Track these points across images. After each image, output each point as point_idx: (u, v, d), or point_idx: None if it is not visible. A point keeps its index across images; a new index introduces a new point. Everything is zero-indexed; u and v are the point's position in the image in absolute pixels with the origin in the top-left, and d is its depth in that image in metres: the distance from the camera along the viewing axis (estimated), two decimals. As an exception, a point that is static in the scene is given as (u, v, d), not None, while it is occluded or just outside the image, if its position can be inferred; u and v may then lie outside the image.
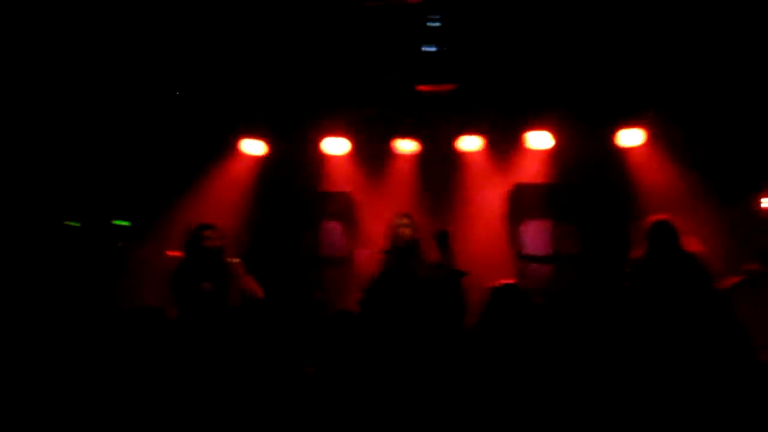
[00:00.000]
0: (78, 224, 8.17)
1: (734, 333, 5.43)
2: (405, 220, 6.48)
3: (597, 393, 4.86)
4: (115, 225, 8.26)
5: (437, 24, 7.58)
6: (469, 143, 8.23)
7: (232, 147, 8.38)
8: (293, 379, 5.22)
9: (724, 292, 5.99)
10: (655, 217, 6.24)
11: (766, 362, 5.31)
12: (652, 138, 7.92)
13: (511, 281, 7.55)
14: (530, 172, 8.29)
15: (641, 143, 7.93)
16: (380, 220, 6.90)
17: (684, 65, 7.58)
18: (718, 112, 7.79)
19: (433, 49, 7.62)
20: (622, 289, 6.24)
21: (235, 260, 6.40)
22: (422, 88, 8.00)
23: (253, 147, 8.36)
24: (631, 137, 7.90)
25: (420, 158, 8.45)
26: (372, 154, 8.46)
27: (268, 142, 8.38)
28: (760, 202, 8.04)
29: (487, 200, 8.36)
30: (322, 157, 8.42)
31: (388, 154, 8.42)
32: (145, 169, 8.30)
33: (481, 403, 4.50)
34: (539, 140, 8.02)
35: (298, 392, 5.03)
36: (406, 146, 8.35)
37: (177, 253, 6.74)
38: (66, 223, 8.13)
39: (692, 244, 6.05)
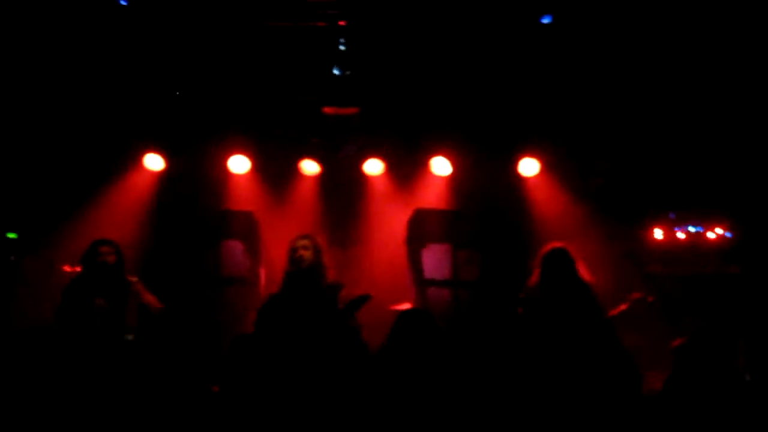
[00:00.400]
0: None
1: (620, 359, 5.64)
2: (305, 242, 6.48)
3: (495, 416, 4.97)
4: (5, 237, 7.98)
5: (343, 47, 7.66)
6: (372, 167, 8.31)
7: (133, 161, 8.21)
8: (195, 398, 5.16)
9: (610, 320, 6.22)
10: (551, 245, 6.40)
11: (651, 389, 5.51)
12: (548, 168, 8.16)
13: (410, 306, 7.69)
14: (431, 198, 8.43)
15: (537, 173, 8.16)
16: (283, 240, 6.89)
17: (581, 96, 7.87)
18: (612, 143, 8.10)
19: (338, 72, 7.69)
20: (516, 315, 6.40)
21: (134, 278, 6.31)
22: (328, 110, 8.06)
23: (155, 162, 8.22)
24: (528, 167, 8.13)
25: (324, 180, 8.47)
26: (276, 174, 8.43)
27: (170, 157, 8.25)
28: (652, 233, 8.38)
29: (389, 224, 8.44)
30: (226, 175, 8.34)
31: (293, 174, 8.42)
32: (39, 179, 8.06)
33: (387, 426, 4.54)
34: (440, 166, 8.18)
35: (200, 411, 4.97)
36: (310, 167, 8.37)
37: (72, 268, 6.59)
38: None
39: (585, 273, 6.24)
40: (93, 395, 5.15)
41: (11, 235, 8.01)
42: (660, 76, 7.61)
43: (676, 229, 8.41)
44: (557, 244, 6.38)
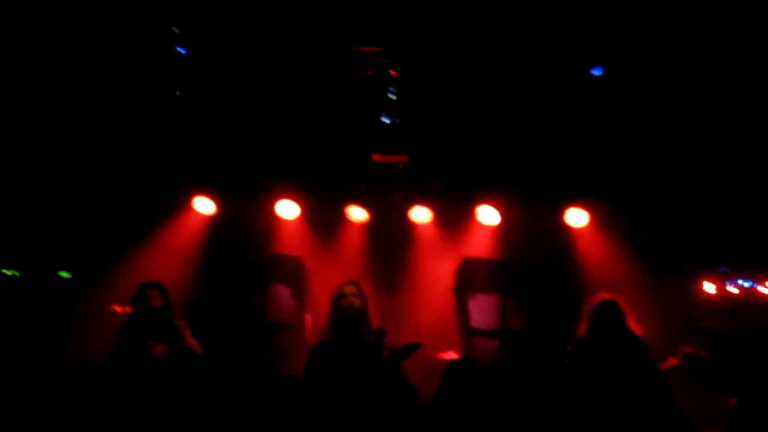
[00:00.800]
0: (17, 273, 8.03)
1: (672, 416, 5.52)
2: (353, 288, 6.46)
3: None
4: (59, 277, 8.13)
5: (392, 96, 7.76)
6: (420, 214, 8.34)
7: (184, 204, 8.35)
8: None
9: (661, 374, 6.09)
10: (600, 296, 6.31)
11: None
12: (595, 219, 8.12)
13: (456, 355, 7.64)
14: (478, 247, 8.42)
15: (586, 224, 8.12)
16: (329, 286, 6.89)
17: (629, 147, 7.86)
18: (660, 195, 8.05)
19: (387, 120, 7.79)
20: (563, 367, 6.31)
21: (181, 323, 6.40)
22: (377, 157, 8.13)
23: (205, 205, 8.34)
24: (576, 217, 8.10)
25: (371, 227, 8.51)
26: (324, 219, 8.49)
27: (220, 201, 8.37)
28: (702, 286, 8.26)
29: (436, 272, 8.43)
30: (274, 220, 8.43)
31: (340, 220, 8.47)
32: (93, 219, 8.22)
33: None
34: (488, 215, 8.18)
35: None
36: (357, 214, 8.42)
37: (122, 309, 6.68)
38: (3, 271, 7.99)
39: (634, 325, 6.16)
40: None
41: (64, 275, 8.16)
42: (709, 130, 7.60)
43: (726, 283, 8.27)
44: (606, 295, 6.30)
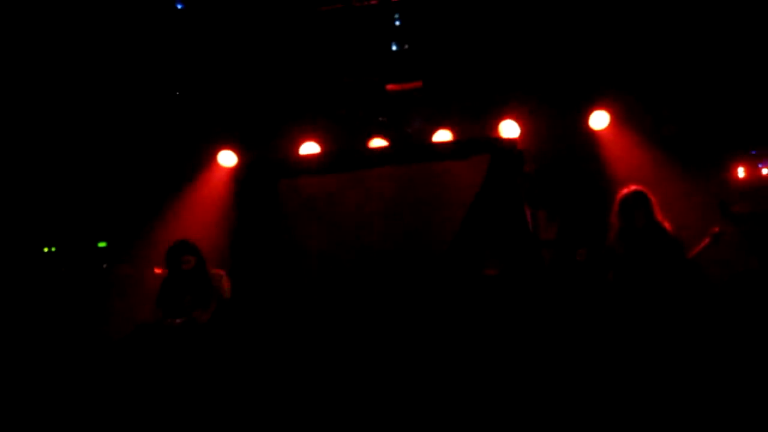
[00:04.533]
0: (54, 249, 8.20)
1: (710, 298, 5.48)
2: None
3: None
4: (97, 247, 8.28)
5: (397, 23, 7.68)
6: (441, 138, 8.30)
7: (208, 160, 8.42)
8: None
9: (695, 260, 6.06)
10: (628, 188, 6.19)
11: None
12: (619, 119, 8.01)
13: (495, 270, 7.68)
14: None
15: (608, 125, 8.02)
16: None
17: (644, 42, 7.70)
18: (681, 87, 7.91)
19: (397, 48, 7.72)
20: (604, 279, 6.23)
21: (221, 271, 6.58)
22: (391, 87, 8.09)
23: (229, 158, 8.40)
24: (598, 120, 8.00)
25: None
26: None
27: (241, 153, 8.41)
28: (733, 171, 8.15)
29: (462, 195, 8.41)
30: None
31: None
32: (122, 188, 8.33)
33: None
34: (508, 129, 8.10)
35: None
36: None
37: (162, 270, 6.84)
38: (44, 249, 8.16)
39: (660, 216, 6.08)
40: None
41: (101, 245, 8.31)
42: (725, 12, 7.41)
43: (759, 165, 8.14)
44: (633, 187, 6.16)
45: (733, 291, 4.91)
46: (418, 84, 8.01)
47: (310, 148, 8.34)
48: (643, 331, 5.56)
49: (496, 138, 7.87)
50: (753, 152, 8.15)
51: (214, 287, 6.47)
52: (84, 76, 7.76)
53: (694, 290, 5.60)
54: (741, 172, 8.11)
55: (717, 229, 6.21)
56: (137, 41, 7.64)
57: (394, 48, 7.94)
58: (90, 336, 6.84)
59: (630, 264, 5.99)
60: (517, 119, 8.09)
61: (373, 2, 7.67)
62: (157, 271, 7.39)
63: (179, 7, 7.24)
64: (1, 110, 7.64)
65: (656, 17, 7.56)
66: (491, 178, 7.05)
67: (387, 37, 7.91)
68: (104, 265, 8.16)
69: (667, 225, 6.03)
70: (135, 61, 7.79)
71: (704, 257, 6.17)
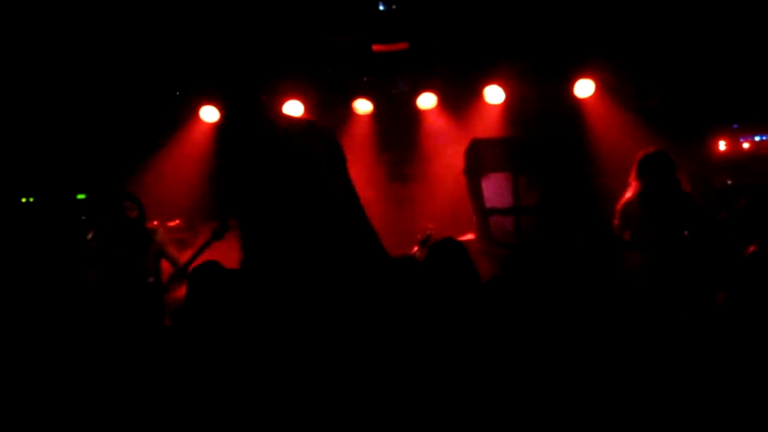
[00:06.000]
0: (32, 199, 8.10)
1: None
2: None
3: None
4: (76, 199, 8.20)
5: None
6: (426, 101, 8.28)
7: (190, 115, 8.34)
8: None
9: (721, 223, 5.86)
10: (648, 149, 6.03)
11: None
12: (603, 88, 8.02)
13: (473, 236, 7.70)
14: (487, 127, 8.37)
15: (593, 94, 8.03)
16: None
17: (634, 14, 7.68)
18: (667, 58, 7.91)
19: (383, 7, 7.65)
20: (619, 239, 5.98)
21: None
22: (377, 47, 8.02)
23: (211, 114, 8.32)
24: (583, 88, 8.01)
25: (378, 119, 8.47)
26: (330, 115, 8.44)
27: (223, 108, 8.34)
28: (716, 145, 8.19)
29: (447, 156, 8.43)
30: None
31: (347, 115, 8.43)
32: (105, 140, 8.23)
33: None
34: (494, 94, 8.11)
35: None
36: (363, 107, 8.38)
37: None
38: (22, 200, 8.07)
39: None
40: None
41: (81, 196, 8.23)
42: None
43: (741, 139, 8.20)
44: (657, 148, 6.03)
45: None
46: (404, 45, 7.95)
47: (293, 106, 8.28)
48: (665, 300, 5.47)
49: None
50: (734, 126, 8.21)
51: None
52: (70, 30, 7.61)
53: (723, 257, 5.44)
54: (722, 145, 8.17)
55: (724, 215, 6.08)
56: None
57: (381, 8, 7.85)
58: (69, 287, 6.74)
59: (651, 224, 5.86)
60: (502, 84, 8.09)
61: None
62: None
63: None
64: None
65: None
66: None
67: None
68: (83, 217, 8.08)
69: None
70: (121, 14, 7.65)
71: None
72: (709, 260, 5.55)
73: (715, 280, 5.15)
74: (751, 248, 4.62)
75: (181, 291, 5.39)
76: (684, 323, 4.74)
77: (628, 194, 6.04)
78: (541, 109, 8.19)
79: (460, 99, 8.30)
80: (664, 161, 5.91)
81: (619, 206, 6.08)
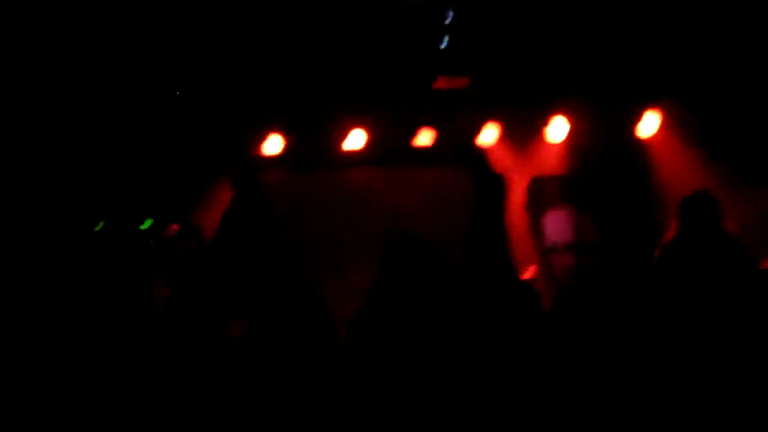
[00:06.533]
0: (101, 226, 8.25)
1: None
2: None
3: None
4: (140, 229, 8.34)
5: (449, 19, 7.66)
6: (488, 136, 8.26)
7: (252, 146, 8.44)
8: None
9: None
10: (693, 191, 5.79)
11: None
12: (670, 125, 7.90)
13: (535, 273, 7.60)
14: (549, 163, 8.32)
15: (658, 130, 7.92)
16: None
17: (699, 51, 7.58)
18: (735, 96, 7.77)
19: (445, 44, 7.69)
20: (649, 273, 5.93)
21: None
22: (439, 83, 8.06)
23: (275, 145, 8.41)
24: (648, 124, 7.91)
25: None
26: (391, 149, 8.48)
27: (288, 138, 8.42)
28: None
29: (509, 193, 8.35)
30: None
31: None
32: (169, 170, 8.39)
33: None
34: (556, 130, 8.06)
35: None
36: (425, 140, 8.38)
37: None
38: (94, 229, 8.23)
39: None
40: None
41: (147, 224, 8.37)
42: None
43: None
44: (700, 189, 5.81)
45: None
46: (466, 80, 7.98)
47: (356, 137, 8.32)
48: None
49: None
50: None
51: None
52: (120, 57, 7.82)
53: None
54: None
55: None
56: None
57: (444, 44, 7.90)
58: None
59: (688, 269, 5.55)
60: (565, 119, 8.03)
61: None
62: None
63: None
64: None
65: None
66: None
67: (438, 33, 7.87)
68: (151, 242, 8.21)
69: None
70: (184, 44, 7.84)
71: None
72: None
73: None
74: None
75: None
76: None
77: (668, 237, 5.80)
78: (605, 146, 8.12)
79: (522, 134, 8.26)
80: (707, 203, 5.60)
81: (656, 251, 5.81)
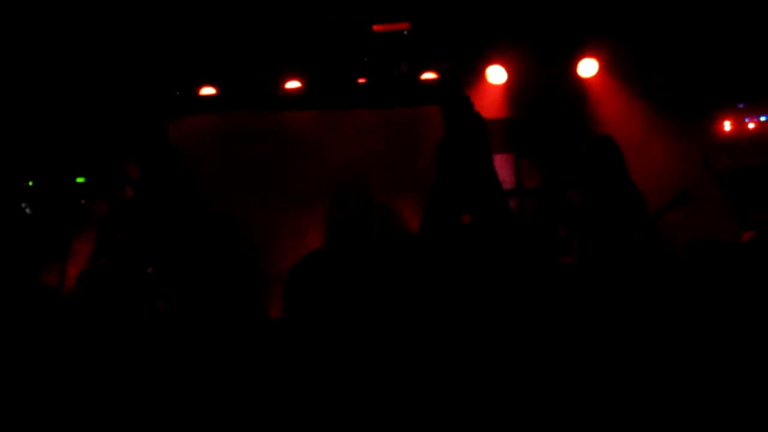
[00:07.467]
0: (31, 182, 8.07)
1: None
2: None
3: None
4: (75, 182, 8.16)
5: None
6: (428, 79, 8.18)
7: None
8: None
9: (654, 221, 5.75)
10: (594, 136, 5.91)
11: None
12: (607, 68, 7.94)
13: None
14: (489, 107, 8.27)
15: (596, 73, 7.95)
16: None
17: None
18: (671, 38, 7.82)
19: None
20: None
21: None
22: (378, 27, 7.95)
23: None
24: (587, 67, 7.93)
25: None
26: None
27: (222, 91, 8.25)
28: (721, 125, 8.12)
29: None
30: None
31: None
32: (106, 125, 8.19)
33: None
34: (496, 74, 8.04)
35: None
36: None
37: None
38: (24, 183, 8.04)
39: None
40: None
41: (80, 180, 8.19)
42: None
43: (746, 119, 8.12)
44: (600, 135, 5.91)
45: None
46: (405, 25, 7.88)
47: (292, 84, 8.20)
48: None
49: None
50: (740, 106, 8.12)
51: None
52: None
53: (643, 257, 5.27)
54: (727, 125, 8.09)
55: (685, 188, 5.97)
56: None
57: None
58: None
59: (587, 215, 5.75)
60: (504, 64, 8.01)
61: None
62: None
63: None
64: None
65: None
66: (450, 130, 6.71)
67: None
68: (82, 201, 8.03)
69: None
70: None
71: (674, 219, 5.99)
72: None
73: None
74: (748, 235, 4.55)
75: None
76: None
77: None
78: (543, 89, 8.13)
79: (461, 79, 8.20)
80: (606, 147, 5.70)
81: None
